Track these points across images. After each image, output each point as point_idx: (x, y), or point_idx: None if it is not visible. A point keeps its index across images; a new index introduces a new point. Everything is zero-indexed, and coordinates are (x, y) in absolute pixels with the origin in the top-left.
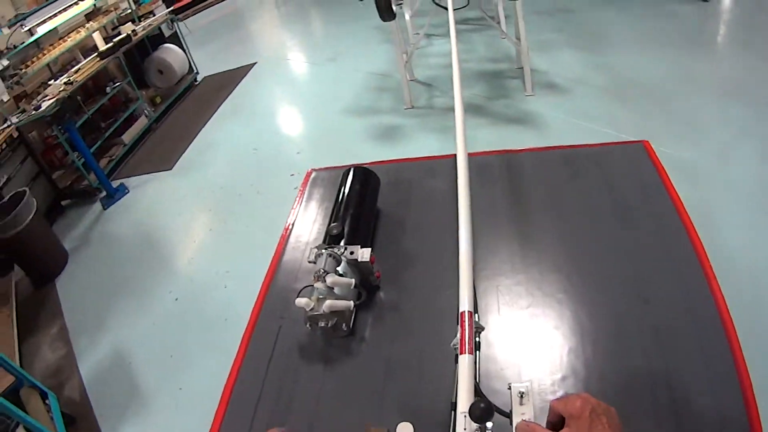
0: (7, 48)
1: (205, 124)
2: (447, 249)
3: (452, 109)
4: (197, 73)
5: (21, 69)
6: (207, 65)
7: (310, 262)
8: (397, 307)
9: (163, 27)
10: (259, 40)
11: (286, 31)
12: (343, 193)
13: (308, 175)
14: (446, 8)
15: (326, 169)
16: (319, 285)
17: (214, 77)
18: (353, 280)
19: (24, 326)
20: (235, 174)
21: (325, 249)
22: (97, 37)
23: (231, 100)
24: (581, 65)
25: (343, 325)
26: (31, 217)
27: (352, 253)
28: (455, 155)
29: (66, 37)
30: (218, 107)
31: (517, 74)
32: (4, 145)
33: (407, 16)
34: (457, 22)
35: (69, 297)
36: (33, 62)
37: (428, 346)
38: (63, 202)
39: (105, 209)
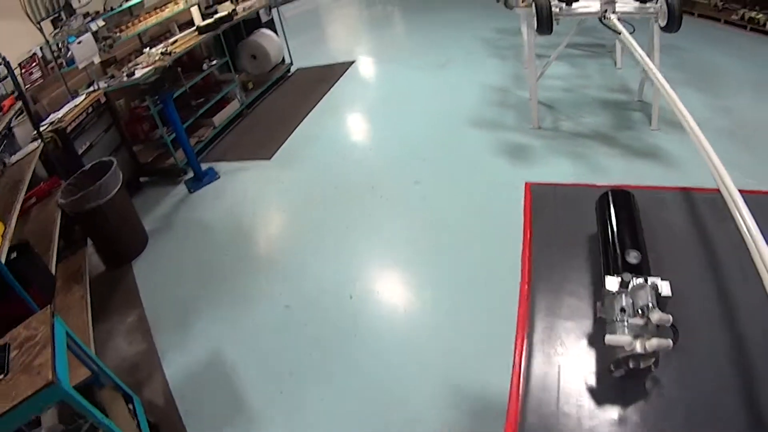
0: (104, 9)
1: (304, 118)
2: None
3: (580, 135)
4: (291, 63)
5: (115, 33)
6: (300, 57)
7: (614, 292)
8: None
9: (261, 12)
10: (352, 38)
11: (379, 33)
12: (618, 217)
13: (528, 190)
14: (619, 32)
15: (551, 185)
16: (637, 321)
17: (309, 71)
18: (671, 317)
19: (96, 311)
20: (350, 174)
21: (634, 278)
22: (195, 12)
23: (331, 96)
24: (701, 105)
25: (651, 366)
26: (117, 190)
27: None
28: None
29: (163, 7)
30: (318, 102)
31: (637, 107)
32: (90, 110)
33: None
34: (568, 46)
35: (148, 284)
36: (127, 27)
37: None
38: (142, 179)
39: (191, 192)
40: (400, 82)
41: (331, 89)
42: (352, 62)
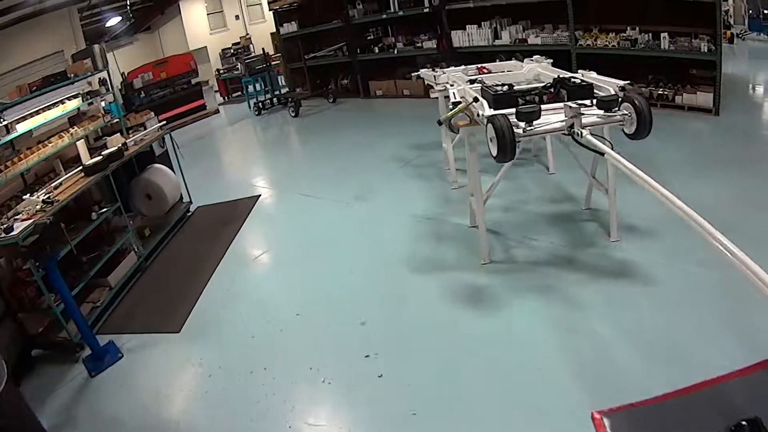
0: None
1: (213, 271)
2: None
3: (539, 263)
4: (190, 202)
5: None
6: (199, 192)
7: None
8: None
9: (154, 144)
10: (254, 167)
11: (283, 160)
12: None
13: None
14: (602, 153)
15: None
16: None
17: (211, 209)
18: None
19: None
20: (280, 349)
21: None
22: (81, 147)
23: (240, 242)
24: (649, 201)
25: None
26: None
27: None
28: None
29: (46, 142)
30: (225, 250)
31: (587, 216)
32: None
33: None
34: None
35: None
36: (6, 167)
37: None
38: (33, 352)
39: (92, 375)
40: (318, 220)
41: (239, 233)
42: (258, 197)
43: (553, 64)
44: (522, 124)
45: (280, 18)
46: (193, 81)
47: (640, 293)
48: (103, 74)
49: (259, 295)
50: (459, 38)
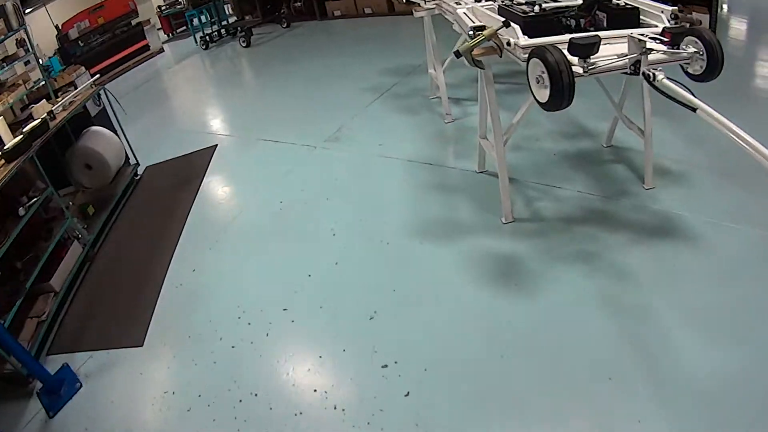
0: None
1: (172, 255)
2: None
3: (570, 220)
4: (137, 164)
5: None
6: (147, 149)
7: None
8: None
9: (88, 104)
10: (206, 110)
11: (238, 98)
12: None
13: None
14: (693, 109)
15: None
16: None
17: (162, 168)
18: None
19: None
20: (268, 367)
21: None
22: (2, 125)
23: (198, 208)
24: (673, 136)
25: None
26: None
27: None
28: None
29: None
30: (183, 223)
31: (610, 155)
32: None
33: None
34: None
35: None
36: None
37: None
38: None
39: (51, 416)
40: (289, 174)
41: (196, 198)
42: (214, 147)
43: None
44: (582, 62)
45: None
46: (134, 22)
47: (691, 258)
48: (20, 34)
49: (230, 288)
50: None
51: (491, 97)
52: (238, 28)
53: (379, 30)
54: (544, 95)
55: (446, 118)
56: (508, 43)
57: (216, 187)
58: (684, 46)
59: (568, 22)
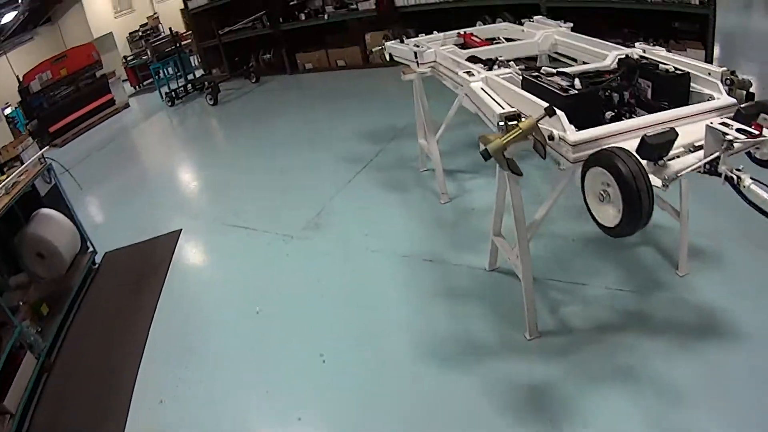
0: None
1: (138, 367)
2: None
3: (604, 329)
4: (95, 251)
5: None
6: (105, 229)
7: None
8: None
9: (37, 181)
10: (166, 182)
11: (201, 167)
12: None
13: None
14: None
15: None
16: None
17: (122, 256)
18: None
19: None
20: None
21: None
22: None
23: (164, 315)
24: (703, 207)
25: None
26: None
27: None
28: None
29: None
30: (147, 333)
31: (636, 236)
32: None
33: None
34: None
35: None
36: None
37: None
38: None
39: None
40: (262, 271)
41: (161, 300)
42: (179, 233)
43: (503, 16)
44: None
45: None
46: (98, 74)
47: (742, 362)
48: None
49: (212, 416)
50: None
51: (517, 203)
52: (205, 83)
53: (354, 84)
54: (610, 217)
55: (442, 198)
56: (551, 137)
57: (182, 287)
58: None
59: (606, 95)
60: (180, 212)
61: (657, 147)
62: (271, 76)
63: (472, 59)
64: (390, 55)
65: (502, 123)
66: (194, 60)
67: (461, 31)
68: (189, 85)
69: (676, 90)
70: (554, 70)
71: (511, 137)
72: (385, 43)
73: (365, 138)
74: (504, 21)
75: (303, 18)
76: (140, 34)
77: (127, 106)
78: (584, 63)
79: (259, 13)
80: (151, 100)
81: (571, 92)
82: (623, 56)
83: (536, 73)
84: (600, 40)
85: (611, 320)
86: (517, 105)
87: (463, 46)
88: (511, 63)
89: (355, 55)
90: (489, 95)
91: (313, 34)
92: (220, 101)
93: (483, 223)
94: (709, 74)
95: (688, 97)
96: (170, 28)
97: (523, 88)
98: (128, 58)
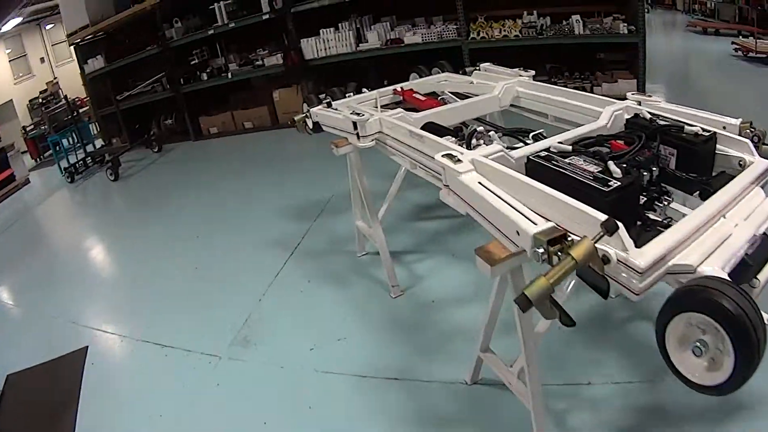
0: None
1: None
2: None
3: None
4: None
5: None
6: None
7: None
8: None
9: None
10: (66, 282)
11: (108, 261)
12: None
13: None
14: None
15: None
16: None
17: (26, 380)
18: None
19: None
20: None
21: None
22: None
23: None
24: None
25: None
26: None
27: None
28: None
29: None
30: None
31: (627, 308)
32: None
33: None
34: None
35: None
36: None
37: None
38: None
39: None
40: (188, 411)
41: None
42: (85, 351)
43: (440, 65)
44: None
45: (83, 53)
46: None
47: None
48: None
49: None
50: (312, 47)
51: (530, 348)
52: (105, 156)
53: (265, 149)
54: (708, 374)
55: (393, 291)
56: (605, 260)
57: (97, 414)
58: None
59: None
60: (85, 318)
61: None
62: (175, 144)
63: (431, 128)
64: (316, 124)
65: (542, 250)
66: (94, 127)
67: (398, 87)
68: (89, 158)
69: (705, 157)
70: (568, 147)
71: (561, 271)
72: (309, 109)
73: (287, 215)
74: (442, 71)
75: (205, 78)
76: (40, 101)
77: (27, 182)
78: (558, 120)
79: (158, 74)
80: (53, 175)
81: (613, 185)
82: (629, 115)
83: (545, 153)
84: (578, 92)
85: (628, 425)
86: (536, 207)
87: (407, 109)
88: (492, 132)
89: (263, 116)
90: (502, 199)
91: (217, 95)
92: (122, 176)
93: (448, 319)
94: (724, 128)
95: (714, 162)
96: (65, 96)
97: (529, 173)
98: (27, 129)
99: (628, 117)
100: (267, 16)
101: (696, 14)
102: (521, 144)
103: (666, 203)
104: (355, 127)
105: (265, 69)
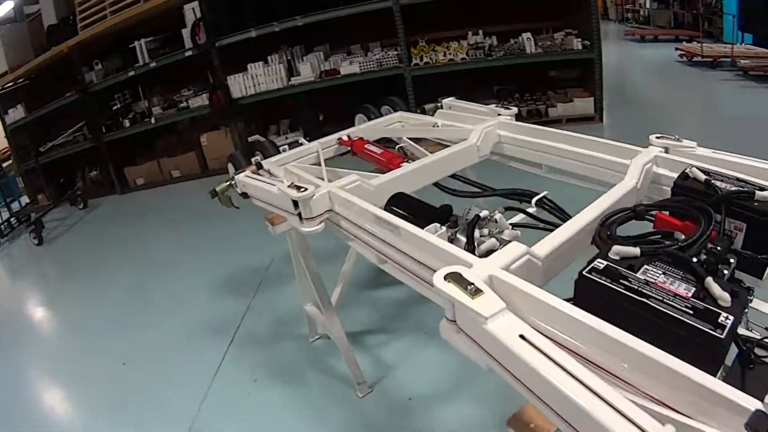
0: None
1: None
2: None
3: None
4: None
5: None
6: None
7: None
8: None
9: None
10: None
11: (26, 359)
12: None
13: None
14: None
15: None
16: None
17: None
18: None
19: None
20: None
21: None
22: None
23: None
24: None
25: None
26: None
27: None
28: None
29: None
30: None
31: None
32: None
33: None
34: None
35: None
36: None
37: None
38: None
39: None
40: None
41: None
42: None
43: (381, 95)
44: None
45: (3, 103)
46: None
47: None
48: None
49: None
50: (240, 84)
51: None
52: (30, 215)
53: (195, 203)
54: None
55: (359, 389)
56: None
57: None
58: None
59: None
60: None
61: None
62: (101, 198)
63: (404, 204)
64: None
65: None
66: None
67: (344, 136)
68: (13, 218)
69: None
70: (635, 250)
71: None
72: (235, 176)
73: (222, 289)
74: (394, 109)
75: (127, 125)
76: None
77: None
78: (553, 170)
79: (79, 123)
80: None
81: (726, 322)
82: (662, 169)
83: (601, 262)
84: (575, 134)
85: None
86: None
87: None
88: (498, 216)
89: (191, 163)
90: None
91: (142, 142)
92: (47, 238)
93: (432, 424)
94: None
95: None
96: None
97: (576, 298)
98: None
99: (675, 177)
100: (190, 53)
101: (630, 22)
102: (522, 215)
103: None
104: (297, 207)
105: (191, 111)
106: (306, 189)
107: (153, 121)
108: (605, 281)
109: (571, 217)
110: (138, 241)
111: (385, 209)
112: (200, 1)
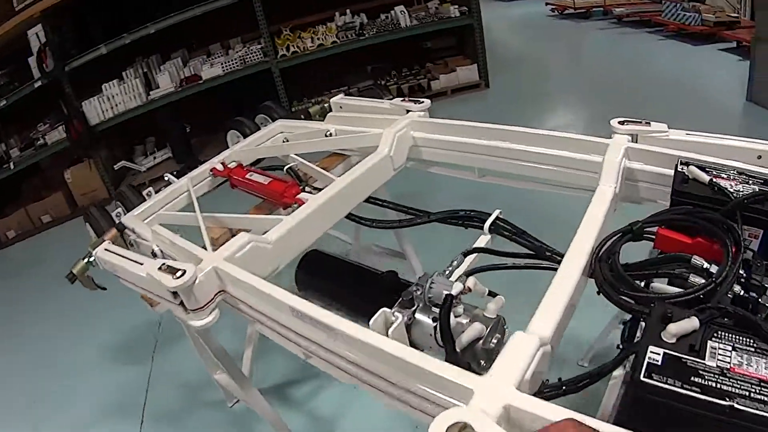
0: None
1: None
2: None
3: None
4: None
5: None
6: None
7: None
8: None
9: None
10: None
11: None
12: None
13: None
14: None
15: None
16: None
17: None
18: None
19: None
20: None
21: None
22: None
23: None
24: None
25: None
26: None
27: None
28: None
29: None
30: None
31: None
32: None
33: None
34: None
35: None
36: None
37: None
38: None
39: None
40: None
41: None
42: None
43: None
44: None
45: None
46: None
47: None
48: None
49: None
50: (96, 109)
51: None
52: None
53: (69, 252)
54: None
55: None
56: None
57: None
58: None
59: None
60: None
61: None
62: None
63: (319, 270)
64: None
65: None
66: None
67: (217, 164)
68: None
69: None
70: (695, 322)
71: None
72: (93, 252)
73: (118, 354)
74: (271, 118)
75: None
76: None
77: None
78: (484, 171)
79: None
80: None
81: None
82: (634, 162)
83: (679, 354)
84: (510, 127)
85: None
86: None
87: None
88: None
89: (59, 204)
90: None
91: (5, 191)
92: None
93: None
94: None
95: None
96: None
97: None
98: None
99: (651, 171)
100: (40, 83)
101: None
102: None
103: None
104: (176, 297)
105: (49, 148)
106: (183, 272)
107: (12, 166)
108: (677, 387)
109: (544, 245)
110: (17, 309)
111: (298, 279)
112: (43, 23)
